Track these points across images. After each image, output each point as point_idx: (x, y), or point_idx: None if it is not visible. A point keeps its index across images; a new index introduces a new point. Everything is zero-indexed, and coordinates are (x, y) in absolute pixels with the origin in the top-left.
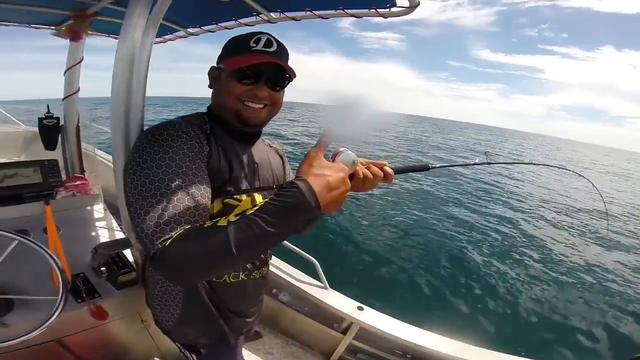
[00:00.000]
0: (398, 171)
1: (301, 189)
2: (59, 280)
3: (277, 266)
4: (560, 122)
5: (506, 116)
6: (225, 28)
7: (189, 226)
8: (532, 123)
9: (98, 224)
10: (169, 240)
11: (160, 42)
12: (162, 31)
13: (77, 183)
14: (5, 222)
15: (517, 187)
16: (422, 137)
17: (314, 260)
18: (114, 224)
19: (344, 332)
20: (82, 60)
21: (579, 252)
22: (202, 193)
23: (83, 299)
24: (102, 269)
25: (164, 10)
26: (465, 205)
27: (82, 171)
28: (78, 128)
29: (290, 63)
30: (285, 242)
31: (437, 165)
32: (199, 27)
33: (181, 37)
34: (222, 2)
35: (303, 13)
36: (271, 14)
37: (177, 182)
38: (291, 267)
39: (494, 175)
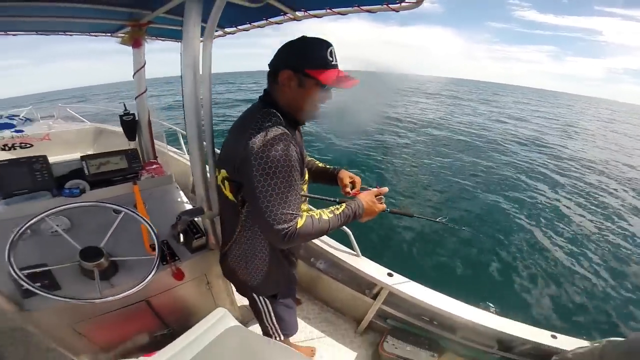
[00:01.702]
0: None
1: (361, 208)
2: (154, 244)
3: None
4: (623, 85)
5: (559, 78)
6: (258, 27)
7: (305, 213)
8: (588, 86)
9: (173, 198)
10: (300, 224)
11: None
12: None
13: (153, 167)
14: (103, 200)
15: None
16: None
17: (348, 230)
18: (185, 198)
19: (374, 297)
20: (145, 64)
21: None
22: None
23: (167, 261)
24: (180, 235)
25: (216, 20)
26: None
27: (155, 157)
28: (149, 122)
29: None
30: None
31: (417, 216)
32: (235, 27)
33: (219, 36)
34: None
35: (324, 11)
36: (297, 12)
37: (295, 181)
38: (327, 237)
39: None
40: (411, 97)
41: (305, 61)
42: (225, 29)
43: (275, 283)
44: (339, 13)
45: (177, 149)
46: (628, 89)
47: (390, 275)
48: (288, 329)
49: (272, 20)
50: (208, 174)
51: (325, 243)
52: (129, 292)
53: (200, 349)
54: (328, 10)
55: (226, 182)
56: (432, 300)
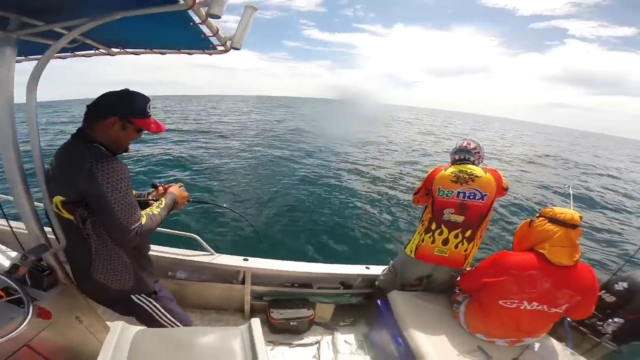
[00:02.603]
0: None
1: (174, 197)
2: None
3: (162, 251)
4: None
5: (334, 89)
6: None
7: (143, 213)
8: (352, 93)
9: None
10: (144, 222)
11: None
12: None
13: None
14: None
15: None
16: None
17: (195, 235)
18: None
19: (242, 282)
20: None
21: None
22: None
23: (24, 303)
24: (26, 276)
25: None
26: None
27: None
28: None
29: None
30: (165, 228)
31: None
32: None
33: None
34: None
35: (144, 50)
36: (112, 49)
37: (132, 190)
38: (175, 249)
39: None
40: (225, 117)
41: (132, 112)
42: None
43: (147, 280)
44: (159, 53)
45: None
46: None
47: (245, 259)
48: (185, 320)
49: (78, 53)
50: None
51: (174, 254)
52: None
53: None
54: (148, 50)
55: (62, 207)
56: (284, 267)
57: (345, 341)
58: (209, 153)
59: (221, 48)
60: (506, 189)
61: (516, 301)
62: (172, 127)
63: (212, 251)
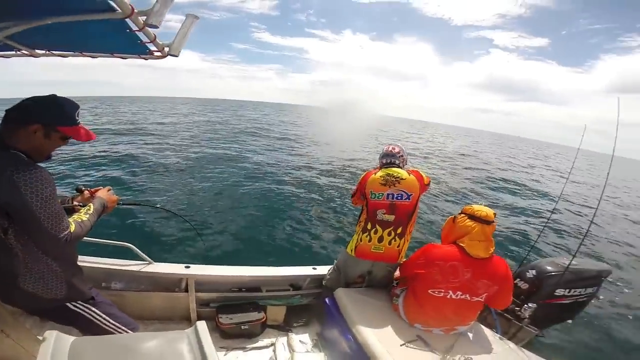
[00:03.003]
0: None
1: (103, 201)
2: None
3: (94, 262)
4: (320, 94)
5: (284, 93)
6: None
7: (71, 219)
8: (301, 97)
9: None
10: (72, 229)
11: None
12: None
13: None
14: None
15: None
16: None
17: (129, 244)
18: None
19: (186, 290)
20: None
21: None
22: None
23: None
24: None
25: None
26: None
27: None
28: None
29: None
30: (96, 238)
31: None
32: None
33: None
34: None
35: (72, 53)
36: (36, 50)
37: (57, 197)
38: (108, 259)
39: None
40: (165, 118)
41: (59, 120)
42: None
43: (81, 287)
44: (89, 56)
45: None
46: (321, 98)
47: (187, 267)
48: (130, 324)
49: (6, 53)
50: None
51: (108, 264)
52: None
53: None
54: (77, 53)
55: None
56: (230, 272)
57: (300, 341)
58: (144, 154)
59: (158, 54)
60: (428, 184)
61: (443, 290)
62: (102, 127)
63: (150, 260)
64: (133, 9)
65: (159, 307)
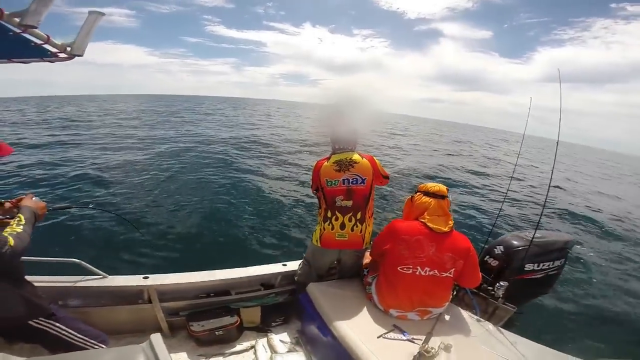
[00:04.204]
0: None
1: (31, 209)
2: None
3: (44, 281)
4: (280, 87)
5: (240, 86)
6: None
7: (5, 234)
8: (259, 91)
9: None
10: (12, 243)
11: None
12: None
13: None
14: None
15: None
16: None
17: (76, 260)
18: None
19: (149, 301)
20: None
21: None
22: None
23: None
24: None
25: None
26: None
27: None
28: None
29: None
30: (42, 257)
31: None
32: None
33: None
34: None
35: None
36: None
37: None
38: (59, 276)
39: None
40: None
41: None
42: None
43: (40, 302)
44: None
45: None
46: (283, 90)
47: (146, 278)
48: (98, 336)
49: None
50: None
51: (59, 282)
52: None
53: None
54: None
55: None
56: (194, 279)
57: (280, 340)
58: (79, 156)
59: (63, 55)
60: (387, 177)
61: (411, 266)
62: (26, 133)
63: (103, 273)
64: (2, 11)
65: (126, 320)
